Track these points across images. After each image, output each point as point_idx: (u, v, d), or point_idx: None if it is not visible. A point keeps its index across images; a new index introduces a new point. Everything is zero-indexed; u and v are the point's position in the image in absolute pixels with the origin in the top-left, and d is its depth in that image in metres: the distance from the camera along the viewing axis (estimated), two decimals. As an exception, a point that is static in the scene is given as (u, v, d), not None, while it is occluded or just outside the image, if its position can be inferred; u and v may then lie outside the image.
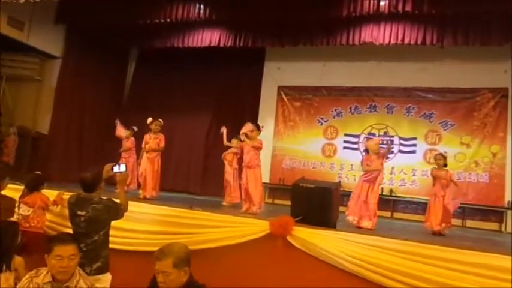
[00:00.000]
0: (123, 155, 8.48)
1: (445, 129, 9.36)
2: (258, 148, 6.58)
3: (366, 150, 6.39)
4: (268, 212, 6.78)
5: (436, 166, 6.75)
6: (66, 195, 4.87)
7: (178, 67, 11.15)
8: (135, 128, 8.61)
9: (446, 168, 6.66)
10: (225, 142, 8.21)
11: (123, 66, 11.79)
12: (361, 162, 6.41)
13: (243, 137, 6.68)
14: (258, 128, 6.76)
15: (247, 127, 6.63)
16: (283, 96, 10.57)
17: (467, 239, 6.25)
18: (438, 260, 4.13)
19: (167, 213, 5.33)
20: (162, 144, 7.54)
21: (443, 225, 6.36)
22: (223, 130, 8.29)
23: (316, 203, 5.10)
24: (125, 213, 3.93)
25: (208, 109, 10.86)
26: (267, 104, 10.60)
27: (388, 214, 9.06)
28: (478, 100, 9.16)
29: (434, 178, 6.62)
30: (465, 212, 8.77)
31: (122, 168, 3.84)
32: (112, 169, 3.84)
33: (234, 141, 8.14)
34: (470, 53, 8.68)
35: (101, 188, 3.80)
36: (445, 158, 6.71)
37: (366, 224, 5.93)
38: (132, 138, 8.54)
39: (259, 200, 6.53)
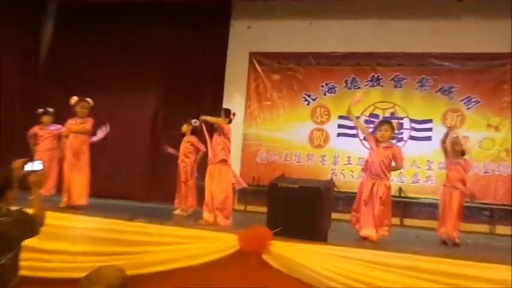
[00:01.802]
0: (39, 148, 8.41)
1: (468, 108, 9.57)
2: (226, 137, 6.70)
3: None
4: (237, 222, 6.82)
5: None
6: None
7: (113, 26, 11.02)
8: (50, 110, 8.57)
9: (464, 157, 6.84)
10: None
11: (35, 27, 11.58)
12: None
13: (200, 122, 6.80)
14: (228, 115, 6.87)
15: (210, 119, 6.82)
16: (257, 66, 10.58)
17: (497, 249, 6.42)
18: (462, 279, 4.22)
19: (100, 226, 5.31)
20: (89, 129, 7.53)
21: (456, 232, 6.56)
22: (196, 123, 8.12)
23: (301, 208, 5.13)
24: (42, 228, 3.88)
25: (156, 84, 10.82)
26: (235, 77, 10.61)
27: (397, 221, 9.21)
28: (509, 69, 9.35)
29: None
30: (493, 214, 9.00)
31: (37, 165, 3.78)
32: (23, 167, 3.78)
33: (184, 127, 8.24)
34: (497, 6, 8.83)
35: (9, 195, 3.73)
36: (461, 142, 6.85)
37: (368, 233, 6.04)
38: (57, 125, 8.50)
39: (228, 207, 6.63)
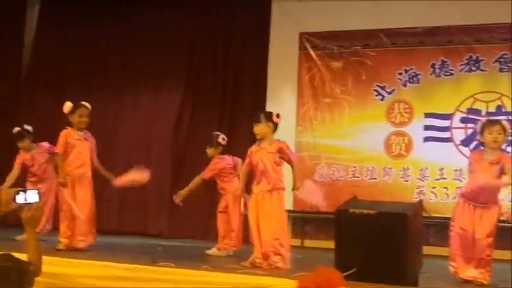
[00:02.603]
0: (29, 176, 8.61)
1: None
2: (283, 158, 6.87)
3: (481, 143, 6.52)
4: (293, 262, 6.83)
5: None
6: None
7: (119, 9, 11.22)
8: (29, 128, 8.75)
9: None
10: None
11: (18, 13, 11.88)
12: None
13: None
14: (270, 118, 6.89)
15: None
16: (310, 51, 10.55)
17: None
18: None
19: (113, 273, 5.37)
20: (94, 155, 7.72)
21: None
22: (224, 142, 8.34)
23: (381, 242, 5.16)
24: (37, 278, 3.94)
25: (178, 81, 10.95)
26: (282, 67, 10.61)
27: (508, 255, 9.04)
28: None
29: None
30: None
31: (32, 197, 3.82)
32: (14, 199, 3.84)
33: (211, 151, 8.31)
34: None
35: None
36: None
37: (473, 274, 6.01)
38: (43, 144, 8.70)
39: (286, 244, 6.66)
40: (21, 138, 8.73)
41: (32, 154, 8.71)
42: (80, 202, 7.40)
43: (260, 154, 6.86)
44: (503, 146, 7.02)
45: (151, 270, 5.47)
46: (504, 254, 8.69)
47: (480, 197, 6.17)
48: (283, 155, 6.89)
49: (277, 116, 6.96)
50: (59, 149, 7.62)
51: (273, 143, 6.89)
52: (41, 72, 11.71)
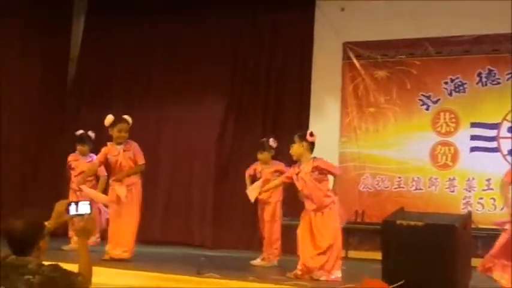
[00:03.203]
0: (74, 186, 8.64)
1: None
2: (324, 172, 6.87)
3: None
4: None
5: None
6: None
7: (161, 19, 11.32)
8: (91, 134, 8.81)
9: None
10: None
11: (64, 25, 12.03)
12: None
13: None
14: (303, 138, 6.91)
15: None
16: (354, 61, 10.55)
17: None
18: None
19: (156, 285, 5.40)
20: (141, 161, 7.72)
21: None
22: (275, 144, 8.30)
23: (429, 254, 5.16)
24: (88, 288, 3.96)
25: (220, 90, 11.03)
26: (325, 77, 10.62)
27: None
28: None
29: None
30: None
31: (84, 208, 3.84)
32: (67, 210, 3.86)
33: (263, 155, 8.29)
34: None
35: (41, 246, 3.83)
36: None
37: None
38: (91, 156, 8.73)
39: (336, 255, 6.70)
40: (82, 142, 8.79)
41: (83, 158, 8.78)
42: (124, 214, 7.49)
43: (300, 176, 6.88)
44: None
45: (197, 281, 5.47)
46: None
47: None
48: (321, 171, 6.88)
49: (311, 134, 6.96)
50: (97, 161, 7.89)
51: (309, 161, 6.88)
52: (86, 84, 11.88)
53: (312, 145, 6.94)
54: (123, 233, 7.44)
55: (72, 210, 3.82)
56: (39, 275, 3.71)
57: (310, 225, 6.72)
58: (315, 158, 6.95)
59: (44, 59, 11.49)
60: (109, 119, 7.65)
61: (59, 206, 3.91)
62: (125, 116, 7.74)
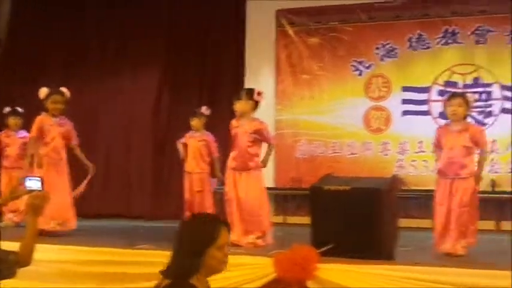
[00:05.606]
0: (5, 163, 8.61)
1: None
2: (263, 138, 6.89)
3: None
4: (274, 238, 6.85)
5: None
6: None
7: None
8: (20, 110, 8.75)
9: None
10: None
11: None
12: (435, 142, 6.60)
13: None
14: (251, 96, 6.88)
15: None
16: (287, 28, 10.56)
17: None
18: None
19: (91, 258, 5.41)
20: (73, 138, 7.69)
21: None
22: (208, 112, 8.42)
23: (356, 217, 5.19)
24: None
25: (154, 62, 10.97)
26: (259, 45, 10.63)
27: (491, 225, 9.15)
28: None
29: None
30: None
31: (35, 184, 3.76)
32: (23, 184, 3.77)
33: (195, 121, 8.42)
34: None
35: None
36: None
37: (448, 247, 6.07)
38: (23, 133, 8.65)
39: (267, 223, 6.74)
40: (11, 115, 8.74)
41: (14, 134, 8.72)
42: (56, 186, 7.29)
43: (237, 131, 6.86)
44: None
45: (131, 254, 5.48)
46: (487, 225, 8.82)
47: (452, 170, 6.22)
48: (260, 136, 6.88)
49: (259, 93, 6.91)
50: (32, 133, 7.61)
51: (252, 122, 6.87)
52: (17, 60, 11.57)
53: (256, 105, 6.90)
54: (55, 206, 7.36)
55: (30, 183, 3.75)
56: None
57: (236, 187, 6.75)
58: (261, 121, 6.96)
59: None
60: (43, 91, 7.51)
61: (15, 181, 3.87)
62: (61, 88, 7.63)
